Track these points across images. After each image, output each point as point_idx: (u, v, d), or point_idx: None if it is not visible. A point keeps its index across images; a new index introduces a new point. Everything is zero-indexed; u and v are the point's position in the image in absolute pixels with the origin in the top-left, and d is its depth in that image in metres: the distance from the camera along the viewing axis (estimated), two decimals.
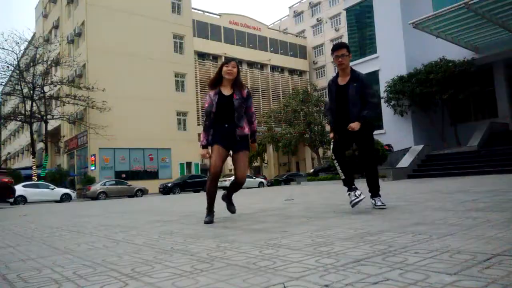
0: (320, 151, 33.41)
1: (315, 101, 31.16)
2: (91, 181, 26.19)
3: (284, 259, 1.77)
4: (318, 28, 47.81)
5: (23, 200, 19.36)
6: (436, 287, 1.22)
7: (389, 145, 17.09)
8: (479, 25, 14.36)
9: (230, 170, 52.19)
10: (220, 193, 4.22)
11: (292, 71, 44.97)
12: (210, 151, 3.71)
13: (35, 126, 31.07)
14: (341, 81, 3.93)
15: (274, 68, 42.87)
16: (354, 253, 1.80)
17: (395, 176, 14.53)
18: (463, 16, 13.59)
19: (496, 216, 2.71)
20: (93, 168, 28.00)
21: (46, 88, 27.90)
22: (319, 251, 1.89)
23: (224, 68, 3.70)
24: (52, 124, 31.32)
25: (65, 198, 21.29)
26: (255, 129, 3.88)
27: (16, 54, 26.55)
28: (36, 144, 30.98)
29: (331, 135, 4.07)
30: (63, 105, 28.56)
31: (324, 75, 46.65)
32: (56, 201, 20.88)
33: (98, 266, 1.95)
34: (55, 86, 28.75)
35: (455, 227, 2.34)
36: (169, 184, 24.76)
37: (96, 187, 22.69)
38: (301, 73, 46.09)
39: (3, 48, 26.23)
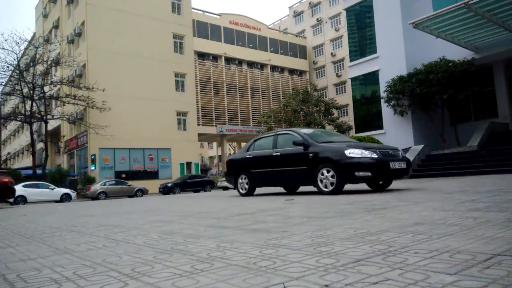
0: None
1: (315, 101, 31.16)
2: (91, 181, 26.20)
3: (284, 259, 1.77)
4: (318, 28, 47.84)
5: (23, 200, 19.37)
6: (436, 287, 1.22)
7: None
8: (479, 25, 14.35)
9: None
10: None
11: (292, 71, 44.98)
12: None
13: (35, 126, 31.10)
14: None
15: (274, 68, 42.88)
16: (354, 253, 1.80)
17: None
18: (463, 16, 13.58)
19: (496, 216, 2.71)
20: (93, 168, 28.02)
21: (46, 88, 27.91)
22: (319, 251, 1.89)
23: None
24: (52, 124, 31.34)
25: (65, 198, 21.30)
26: None
27: (16, 54, 26.58)
28: (36, 144, 30.99)
29: None
30: (63, 105, 28.57)
31: (324, 75, 46.68)
32: (56, 201, 20.89)
33: (98, 266, 1.95)
34: (55, 86, 28.76)
35: (455, 227, 2.34)
36: (169, 184, 24.78)
37: (96, 187, 22.70)
38: (301, 73, 46.11)
39: (3, 48, 26.28)
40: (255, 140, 9.01)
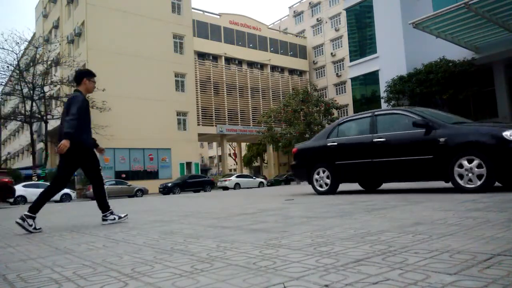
0: None
1: (315, 101, 31.20)
2: None
3: (284, 259, 1.77)
4: (318, 28, 47.85)
5: (23, 200, 19.35)
6: (436, 287, 1.22)
7: None
8: (479, 25, 14.35)
9: (230, 170, 52.20)
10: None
11: (292, 71, 45.00)
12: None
13: (35, 126, 31.09)
14: None
15: (274, 68, 42.90)
16: (354, 253, 1.80)
17: None
18: (463, 16, 13.58)
19: (496, 216, 2.71)
20: None
21: (46, 88, 27.91)
22: (319, 251, 1.89)
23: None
24: (52, 124, 31.30)
25: (65, 198, 21.30)
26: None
27: (16, 54, 26.59)
28: (36, 144, 30.99)
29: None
30: (63, 105, 28.56)
31: (324, 75, 46.68)
32: (56, 201, 20.88)
33: (98, 266, 1.95)
34: (55, 86, 28.77)
35: (455, 227, 2.34)
36: (169, 184, 24.79)
37: None
38: (301, 73, 46.12)
39: (3, 48, 26.30)
40: (339, 124, 7.12)
